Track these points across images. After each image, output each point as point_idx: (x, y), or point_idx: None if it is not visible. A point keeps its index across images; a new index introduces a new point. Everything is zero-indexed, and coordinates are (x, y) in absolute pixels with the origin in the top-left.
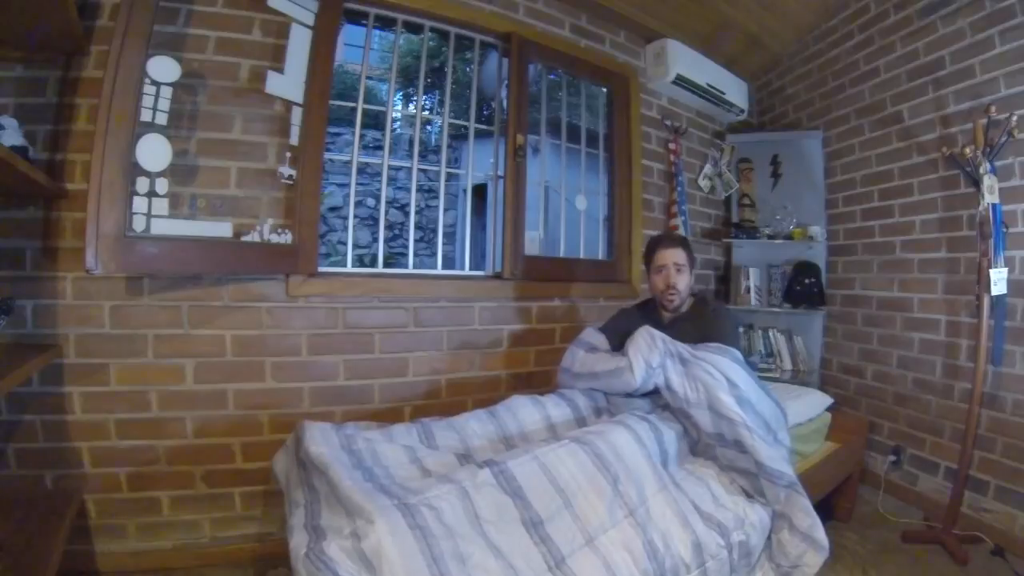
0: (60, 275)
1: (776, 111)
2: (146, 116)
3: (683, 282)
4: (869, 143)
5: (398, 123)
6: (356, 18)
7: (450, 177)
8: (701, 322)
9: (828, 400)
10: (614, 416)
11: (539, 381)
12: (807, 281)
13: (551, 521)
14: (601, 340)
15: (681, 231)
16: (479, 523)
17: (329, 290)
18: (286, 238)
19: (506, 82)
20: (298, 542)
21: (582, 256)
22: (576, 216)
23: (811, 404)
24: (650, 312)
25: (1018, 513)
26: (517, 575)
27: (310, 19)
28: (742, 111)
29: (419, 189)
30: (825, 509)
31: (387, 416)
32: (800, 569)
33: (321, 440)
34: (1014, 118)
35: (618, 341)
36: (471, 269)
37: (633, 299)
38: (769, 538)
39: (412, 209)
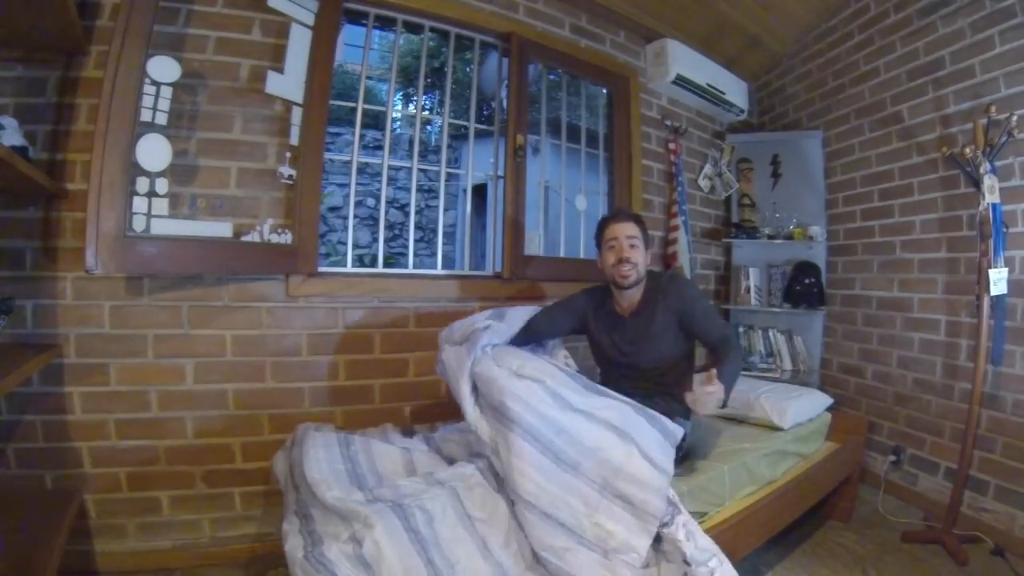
0: (60, 275)
1: (776, 111)
2: (146, 116)
3: (637, 255)
4: (869, 143)
5: (398, 123)
6: (356, 18)
7: (450, 177)
8: (664, 306)
9: (828, 400)
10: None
11: None
12: (807, 281)
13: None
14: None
15: (681, 231)
16: (471, 523)
17: (329, 290)
18: (286, 238)
19: (506, 82)
20: (293, 545)
21: (582, 256)
22: (576, 216)
23: (811, 404)
24: (603, 301)
25: (1018, 513)
26: (505, 572)
27: (310, 19)
28: (742, 111)
29: (419, 189)
30: (824, 509)
31: (387, 416)
32: None
33: (314, 456)
34: (1014, 118)
35: (576, 323)
36: (471, 269)
37: None
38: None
39: (412, 209)
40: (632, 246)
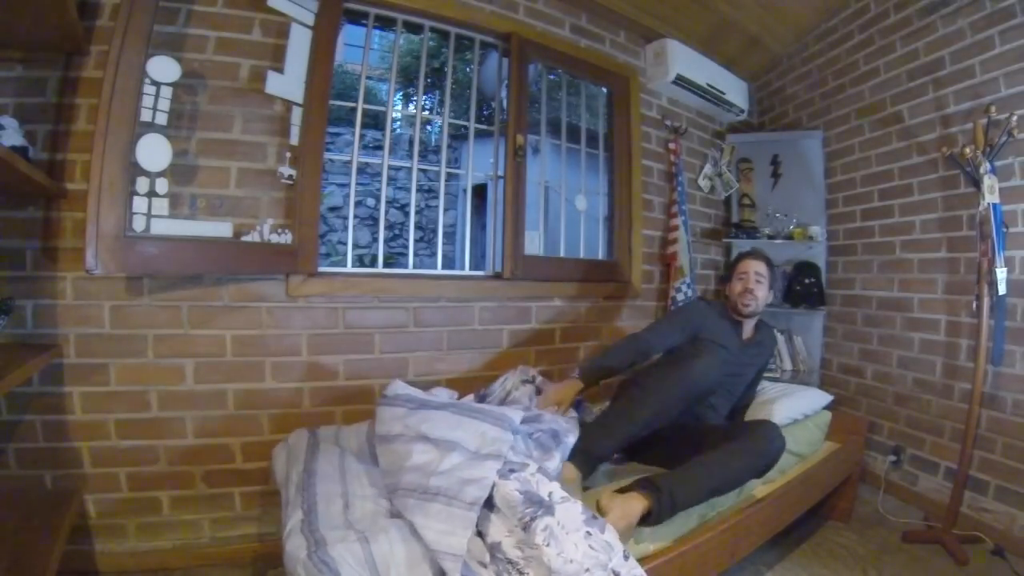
0: (60, 275)
1: (776, 111)
2: (146, 116)
3: (761, 291)
4: (869, 143)
5: (398, 123)
6: (356, 18)
7: (450, 177)
8: (767, 354)
9: (827, 398)
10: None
11: None
12: (807, 281)
13: None
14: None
15: (681, 231)
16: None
17: (329, 290)
18: (286, 238)
19: (506, 82)
20: (296, 545)
21: (582, 256)
22: (576, 216)
23: (807, 401)
24: (729, 321)
25: (1018, 513)
26: None
27: (310, 19)
28: (742, 111)
29: (419, 189)
30: (824, 509)
31: None
32: None
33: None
34: (1014, 118)
35: (689, 334)
36: (471, 269)
37: (633, 299)
38: None
39: (412, 209)
40: (758, 282)
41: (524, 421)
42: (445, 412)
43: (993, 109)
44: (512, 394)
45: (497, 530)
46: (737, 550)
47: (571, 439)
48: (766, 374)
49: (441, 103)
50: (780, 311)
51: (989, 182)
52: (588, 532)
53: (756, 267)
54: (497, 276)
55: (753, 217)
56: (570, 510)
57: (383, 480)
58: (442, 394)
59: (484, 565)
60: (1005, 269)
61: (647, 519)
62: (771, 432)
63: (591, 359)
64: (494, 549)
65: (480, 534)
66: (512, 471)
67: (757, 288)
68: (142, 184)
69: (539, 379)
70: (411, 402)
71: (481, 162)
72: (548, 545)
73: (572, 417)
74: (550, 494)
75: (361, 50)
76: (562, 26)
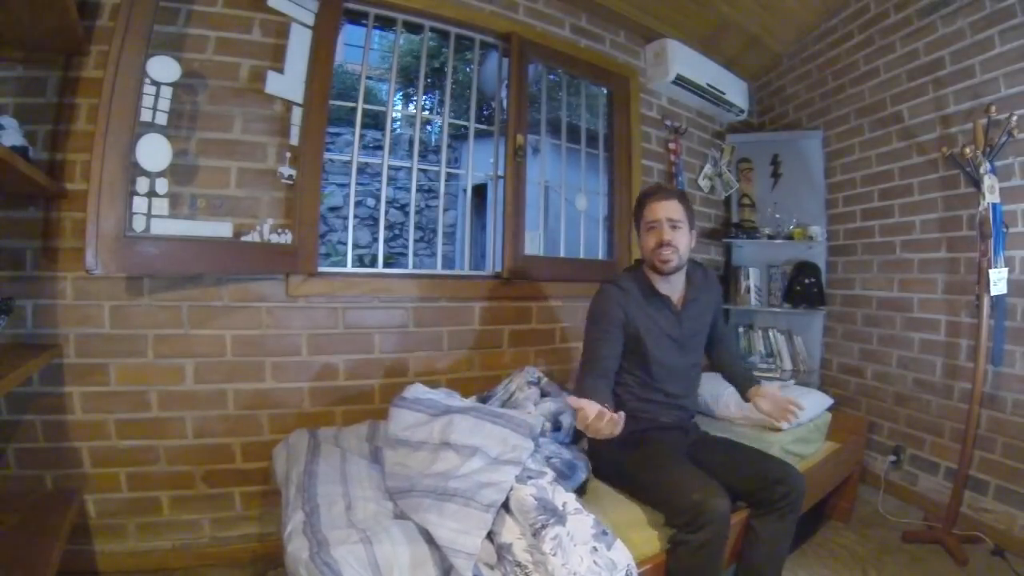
0: (60, 275)
1: (776, 111)
2: (146, 116)
3: (681, 239)
4: (869, 143)
5: (398, 123)
6: (356, 18)
7: (450, 177)
8: (708, 300)
9: (828, 401)
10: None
11: None
12: (807, 281)
13: None
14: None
15: None
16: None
17: (329, 290)
18: (286, 238)
19: (506, 82)
20: (298, 547)
21: (582, 256)
22: (576, 216)
23: (811, 404)
24: (648, 292)
25: (1018, 513)
26: None
27: (310, 19)
28: (742, 111)
29: (419, 189)
30: (824, 509)
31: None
32: None
33: (341, 472)
34: (1014, 118)
35: (623, 332)
36: (471, 269)
37: None
38: None
39: (412, 209)
40: (674, 227)
41: (551, 457)
42: (467, 416)
43: (993, 109)
44: (515, 396)
45: (510, 531)
46: (737, 550)
47: (583, 475)
48: (765, 374)
49: (441, 103)
50: (780, 311)
51: (989, 182)
52: (595, 547)
53: (668, 210)
54: (497, 276)
55: (753, 217)
56: (582, 522)
57: (388, 482)
58: (453, 397)
59: (491, 567)
60: (1006, 269)
61: None
62: (797, 486)
63: (594, 389)
64: (503, 550)
65: (489, 535)
66: (530, 477)
67: (675, 236)
68: (142, 184)
69: (544, 380)
70: (433, 407)
71: (481, 162)
72: (555, 555)
73: (582, 452)
74: (564, 504)
75: (361, 50)
76: (562, 26)
